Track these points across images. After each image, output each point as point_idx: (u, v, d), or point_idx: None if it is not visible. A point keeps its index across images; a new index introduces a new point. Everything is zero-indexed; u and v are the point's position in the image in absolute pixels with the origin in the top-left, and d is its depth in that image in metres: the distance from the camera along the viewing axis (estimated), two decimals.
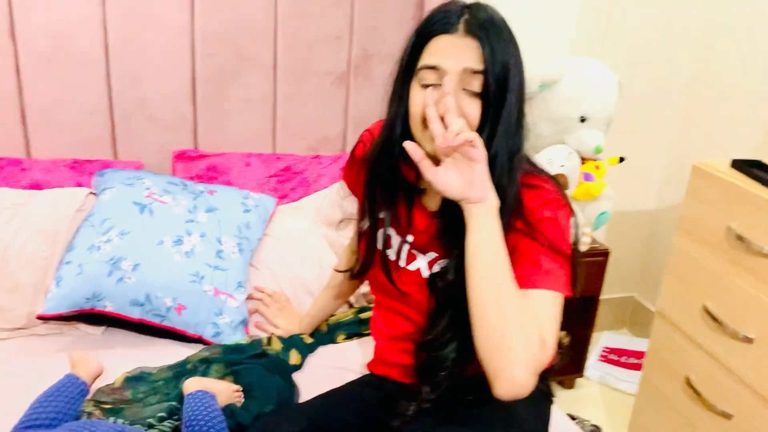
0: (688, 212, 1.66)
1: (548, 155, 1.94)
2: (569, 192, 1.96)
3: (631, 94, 2.20)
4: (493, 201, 0.94)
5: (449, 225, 1.02)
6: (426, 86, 0.96)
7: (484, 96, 0.95)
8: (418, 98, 0.97)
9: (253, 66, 1.84)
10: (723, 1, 2.16)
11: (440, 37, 0.96)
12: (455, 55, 0.94)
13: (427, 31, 0.98)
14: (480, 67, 0.94)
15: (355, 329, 1.54)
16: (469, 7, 0.98)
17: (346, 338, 1.53)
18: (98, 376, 1.29)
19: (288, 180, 1.88)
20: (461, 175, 0.93)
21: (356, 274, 1.23)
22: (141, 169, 1.74)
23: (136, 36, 1.72)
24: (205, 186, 1.68)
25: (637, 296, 2.63)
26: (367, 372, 1.32)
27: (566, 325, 2.21)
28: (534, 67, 1.94)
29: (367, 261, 1.18)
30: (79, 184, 1.70)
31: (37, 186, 1.64)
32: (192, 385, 1.19)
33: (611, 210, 2.12)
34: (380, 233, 1.15)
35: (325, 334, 1.52)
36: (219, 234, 1.54)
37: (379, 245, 1.16)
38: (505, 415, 1.10)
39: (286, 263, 1.63)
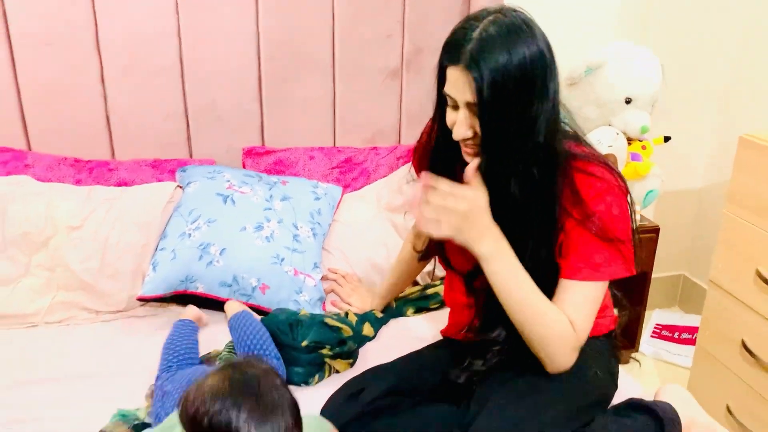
0: (737, 182, 1.73)
1: (596, 137, 2.02)
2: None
3: (674, 75, 2.26)
4: (488, 248, 1.09)
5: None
6: (451, 107, 1.08)
7: (482, 120, 1.03)
8: (449, 117, 1.09)
9: (313, 66, 1.97)
10: None
11: (450, 68, 1.05)
12: (458, 89, 1.04)
13: (442, 57, 1.07)
14: (475, 100, 1.02)
15: (422, 304, 1.65)
16: (481, 24, 1.01)
17: (414, 312, 1.64)
18: (200, 320, 1.50)
19: (349, 171, 2.00)
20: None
21: (423, 255, 1.35)
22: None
23: (206, 44, 1.86)
24: (278, 177, 1.81)
25: (687, 274, 2.68)
26: (440, 338, 1.43)
27: (618, 302, 2.28)
28: (579, 54, 2.05)
29: (433, 243, 1.29)
30: (160, 181, 1.84)
31: (124, 183, 1.79)
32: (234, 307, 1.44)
33: (659, 188, 2.19)
34: None
35: (394, 309, 1.63)
36: (294, 220, 1.67)
37: None
38: (584, 377, 1.20)
39: (355, 246, 1.75)
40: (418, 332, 1.54)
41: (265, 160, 1.97)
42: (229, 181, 1.70)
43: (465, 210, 1.07)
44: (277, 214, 1.65)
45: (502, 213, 1.10)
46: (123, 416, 1.22)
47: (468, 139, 1.07)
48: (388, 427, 1.17)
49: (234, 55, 1.90)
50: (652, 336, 2.51)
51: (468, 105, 1.04)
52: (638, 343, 2.36)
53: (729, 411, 1.81)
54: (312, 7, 1.91)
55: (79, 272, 1.56)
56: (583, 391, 1.16)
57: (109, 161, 1.86)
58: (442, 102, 1.11)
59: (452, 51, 1.03)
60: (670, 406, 1.21)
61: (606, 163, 1.11)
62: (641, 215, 2.19)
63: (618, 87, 2.02)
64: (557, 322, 1.10)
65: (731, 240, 1.76)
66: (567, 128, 1.13)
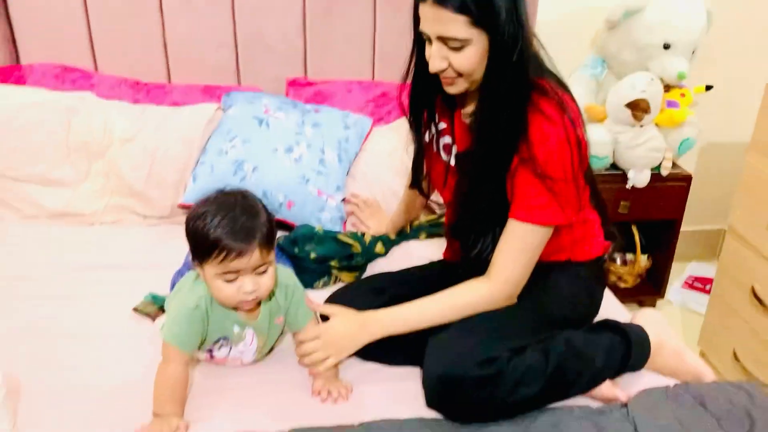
0: (761, 130, 1.73)
1: (630, 81, 2.03)
2: (651, 117, 2.05)
3: (727, 22, 2.22)
4: (372, 333, 1.25)
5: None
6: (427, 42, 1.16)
7: (462, 48, 1.12)
8: (426, 52, 1.17)
9: (354, 1, 2.06)
10: None
11: (421, 6, 1.13)
12: (429, 24, 1.13)
13: None
14: (447, 34, 1.11)
15: (434, 230, 1.77)
16: None
17: (426, 237, 1.76)
18: None
19: (385, 104, 2.10)
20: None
21: (410, 185, 1.51)
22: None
23: None
24: (312, 106, 1.94)
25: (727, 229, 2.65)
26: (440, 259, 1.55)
27: (647, 249, 2.33)
28: None
29: (415, 171, 1.44)
30: None
31: (176, 104, 1.97)
32: None
33: (695, 137, 2.18)
34: (441, 142, 1.36)
35: (408, 233, 1.76)
36: (322, 145, 1.80)
37: (442, 154, 1.36)
38: (558, 296, 1.29)
39: (378, 174, 1.87)
40: (424, 253, 1.66)
41: (307, 91, 2.10)
42: (266, 106, 1.85)
43: (328, 343, 1.23)
44: (306, 139, 1.79)
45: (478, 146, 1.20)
46: (153, 297, 1.42)
47: (443, 70, 1.16)
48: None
49: None
50: (683, 286, 2.53)
51: (440, 38, 1.12)
52: (665, 291, 2.39)
53: (735, 356, 1.85)
54: None
55: (130, 180, 1.76)
56: (553, 307, 1.26)
57: (164, 84, 2.04)
58: (419, 41, 1.20)
59: None
60: (640, 328, 1.29)
61: (560, 103, 1.15)
62: (674, 163, 2.19)
63: (656, 31, 2.01)
64: (471, 299, 1.23)
65: (750, 187, 1.77)
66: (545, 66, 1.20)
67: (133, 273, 1.56)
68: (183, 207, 1.74)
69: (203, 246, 1.10)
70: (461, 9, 1.09)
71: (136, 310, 1.41)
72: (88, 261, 1.61)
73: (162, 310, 1.40)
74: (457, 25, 1.10)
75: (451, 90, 1.20)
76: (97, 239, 1.71)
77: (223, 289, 1.13)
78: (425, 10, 1.13)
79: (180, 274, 1.46)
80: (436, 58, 1.15)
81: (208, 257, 1.10)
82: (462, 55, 1.14)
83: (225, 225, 1.08)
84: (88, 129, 1.78)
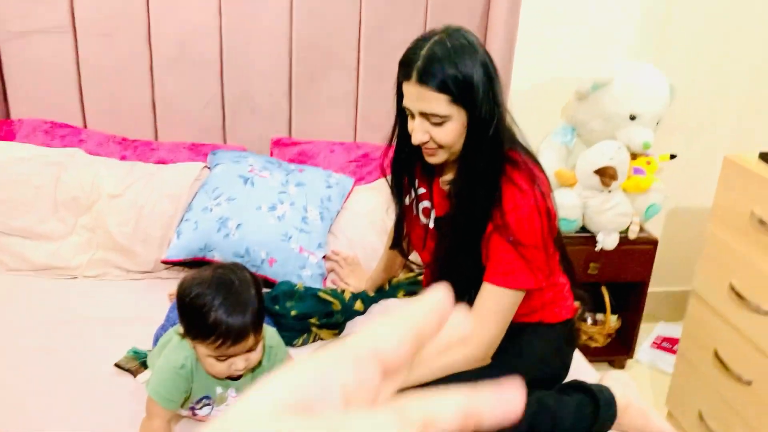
0: (720, 199, 1.83)
1: (599, 149, 2.15)
2: (618, 183, 2.16)
3: (690, 94, 2.36)
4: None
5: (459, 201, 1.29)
6: (409, 117, 1.25)
7: (442, 124, 1.21)
8: (409, 126, 1.26)
9: (339, 67, 2.16)
10: None
11: (404, 84, 1.23)
12: (412, 101, 1.22)
13: (398, 75, 1.25)
14: (429, 110, 1.20)
15: (412, 288, 1.82)
16: (430, 44, 1.19)
17: (405, 295, 1.82)
18: None
19: (366, 165, 2.18)
20: None
21: (392, 245, 1.57)
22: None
23: (245, 42, 2.08)
24: (296, 166, 2.01)
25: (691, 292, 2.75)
26: None
27: (617, 310, 2.41)
28: (588, 71, 2.18)
29: (396, 233, 1.51)
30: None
31: (163, 162, 2.03)
32: None
33: (661, 203, 2.29)
34: (421, 206, 1.43)
35: (387, 291, 1.81)
36: (305, 204, 1.86)
37: (421, 217, 1.43)
38: (530, 357, 1.35)
39: (359, 232, 1.94)
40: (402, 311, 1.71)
41: (291, 150, 2.17)
42: (251, 165, 1.91)
43: None
44: (290, 198, 1.85)
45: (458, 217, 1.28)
46: (135, 353, 1.45)
47: (425, 143, 1.24)
48: None
49: (269, 53, 2.11)
50: (651, 346, 2.60)
51: (422, 114, 1.21)
52: (634, 351, 2.46)
53: (701, 416, 1.91)
54: (341, 14, 2.10)
55: (116, 235, 1.80)
56: (525, 367, 1.30)
57: (152, 142, 2.10)
58: (402, 114, 1.29)
59: (405, 69, 1.21)
60: (607, 389, 1.34)
61: (531, 175, 1.24)
62: (641, 227, 2.29)
63: (623, 103, 2.13)
64: (447, 360, 1.25)
65: (712, 254, 1.86)
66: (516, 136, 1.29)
67: (116, 327, 1.58)
68: (166, 263, 1.77)
69: (200, 329, 1.13)
70: (442, 88, 1.17)
71: (117, 365, 1.43)
72: (70, 315, 1.63)
73: (144, 365, 1.42)
74: (438, 102, 1.19)
75: (432, 160, 1.28)
76: (80, 293, 1.73)
77: (215, 366, 1.17)
78: (409, 88, 1.22)
79: (163, 329, 1.49)
80: (419, 131, 1.24)
81: (203, 340, 1.13)
82: (443, 129, 1.22)
83: (223, 314, 1.10)
84: (78, 184, 1.83)
